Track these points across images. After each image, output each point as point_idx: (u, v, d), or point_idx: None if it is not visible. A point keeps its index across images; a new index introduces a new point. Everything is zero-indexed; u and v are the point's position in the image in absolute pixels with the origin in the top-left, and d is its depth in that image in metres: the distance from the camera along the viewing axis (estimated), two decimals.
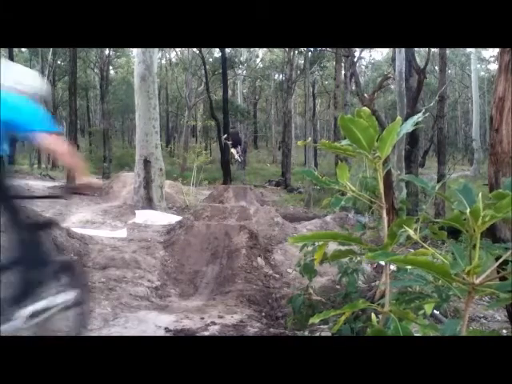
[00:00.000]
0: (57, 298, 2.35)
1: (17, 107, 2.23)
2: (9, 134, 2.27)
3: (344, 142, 1.15)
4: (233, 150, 16.07)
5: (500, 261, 0.94)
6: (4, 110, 2.15)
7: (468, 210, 0.92)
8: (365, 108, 1.10)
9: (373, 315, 1.24)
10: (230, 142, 15.94)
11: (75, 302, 2.51)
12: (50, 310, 2.31)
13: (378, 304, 1.19)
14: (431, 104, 11.64)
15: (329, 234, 1.13)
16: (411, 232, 1.03)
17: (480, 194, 0.92)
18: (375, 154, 1.10)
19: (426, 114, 1.33)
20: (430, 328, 1.06)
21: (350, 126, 1.08)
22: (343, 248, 1.20)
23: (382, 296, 2.22)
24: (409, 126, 1.13)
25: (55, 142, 2.33)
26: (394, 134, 1.08)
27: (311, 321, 1.07)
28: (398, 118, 1.12)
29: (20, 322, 2.16)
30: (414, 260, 0.92)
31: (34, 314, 2.21)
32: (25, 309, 2.17)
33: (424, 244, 1.05)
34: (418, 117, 1.15)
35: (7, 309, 2.14)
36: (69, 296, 2.44)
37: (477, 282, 0.91)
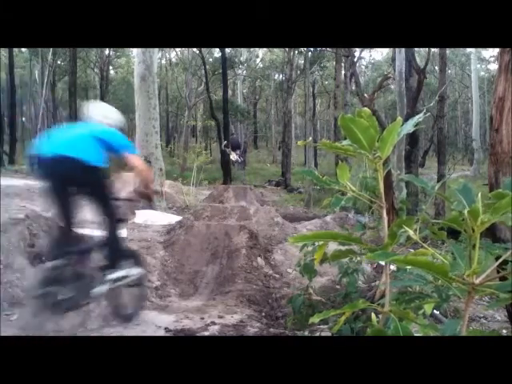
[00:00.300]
0: (131, 270, 3.32)
1: (114, 135, 3.05)
2: (108, 154, 3.00)
3: (345, 142, 1.15)
4: (232, 154, 16.28)
5: (500, 261, 0.94)
6: (106, 137, 2.97)
7: (467, 210, 0.92)
8: (365, 108, 1.10)
9: (373, 315, 1.24)
10: (228, 149, 16.15)
11: (139, 280, 3.48)
12: (127, 278, 3.26)
13: (378, 304, 1.19)
14: (431, 104, 11.64)
15: (329, 234, 1.13)
16: (411, 232, 1.03)
17: (479, 194, 0.92)
18: (376, 154, 1.10)
19: (427, 114, 1.33)
20: (430, 328, 1.06)
21: (351, 125, 1.08)
22: (343, 248, 1.20)
23: (382, 296, 2.22)
24: (409, 127, 1.13)
25: (137, 161, 3.24)
26: (394, 134, 1.08)
27: (311, 321, 1.07)
28: (399, 118, 1.12)
29: (108, 285, 3.08)
30: (414, 260, 0.92)
31: (117, 280, 3.15)
32: (111, 275, 3.09)
33: (424, 244, 1.05)
34: (419, 117, 1.15)
35: (100, 276, 3.04)
36: (138, 270, 3.43)
37: (477, 282, 0.91)
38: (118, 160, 3.10)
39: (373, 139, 1.08)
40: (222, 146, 16.46)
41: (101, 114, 3.15)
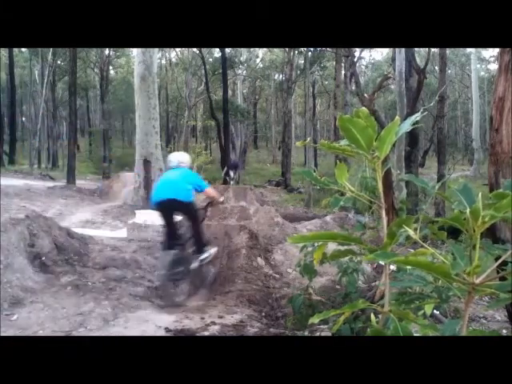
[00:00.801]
0: (210, 250, 5.01)
1: (196, 179, 4.82)
2: (194, 190, 4.71)
3: (343, 143, 1.15)
4: (230, 173, 16.96)
5: (500, 261, 0.94)
6: (193, 181, 4.72)
7: (468, 210, 0.92)
8: (363, 108, 1.10)
9: (372, 315, 1.24)
10: (229, 175, 16.75)
11: (215, 256, 5.22)
12: (209, 257, 4.97)
13: (378, 304, 1.19)
14: (431, 104, 11.64)
15: (328, 234, 1.13)
16: (411, 232, 1.03)
17: (480, 194, 0.92)
18: (374, 153, 1.10)
19: (425, 113, 1.32)
20: (430, 328, 1.06)
21: (349, 126, 1.07)
22: (342, 248, 1.20)
23: (382, 296, 2.22)
24: (407, 126, 1.13)
25: (211, 192, 5.05)
26: (392, 133, 1.08)
27: (311, 321, 1.07)
28: (397, 117, 1.12)
29: (198, 263, 4.80)
30: (414, 261, 0.91)
31: (203, 259, 4.86)
32: (201, 256, 4.83)
33: (424, 244, 1.05)
34: (416, 116, 1.15)
35: (192, 258, 4.79)
36: (214, 249, 5.15)
37: (477, 281, 0.91)
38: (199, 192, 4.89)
39: (371, 139, 1.08)
40: (223, 174, 17.27)
41: (177, 161, 4.88)
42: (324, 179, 1.25)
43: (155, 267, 5.46)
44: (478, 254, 0.91)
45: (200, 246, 4.88)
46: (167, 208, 4.58)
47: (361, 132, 1.07)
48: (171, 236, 4.68)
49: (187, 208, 4.64)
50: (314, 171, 1.30)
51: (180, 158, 4.98)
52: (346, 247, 1.19)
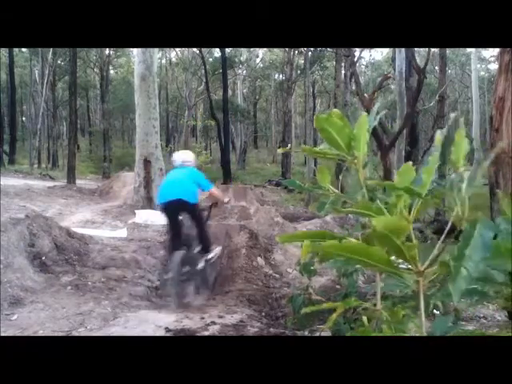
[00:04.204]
0: (216, 249, 5.18)
1: (202, 178, 4.81)
2: (197, 190, 4.74)
3: (322, 146, 1.11)
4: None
5: (439, 244, 0.92)
6: (198, 179, 4.74)
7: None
8: (336, 110, 1.07)
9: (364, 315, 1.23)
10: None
11: (220, 254, 5.42)
12: (215, 256, 5.10)
13: (371, 303, 1.19)
14: (431, 104, 11.64)
15: (316, 234, 1.11)
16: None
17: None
18: (353, 154, 1.07)
19: (385, 111, 1.30)
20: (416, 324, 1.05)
21: (326, 126, 1.03)
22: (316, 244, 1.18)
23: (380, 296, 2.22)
24: (372, 119, 1.10)
25: (215, 191, 5.02)
26: (364, 130, 1.05)
27: (303, 311, 1.07)
28: (363, 114, 1.09)
29: (204, 263, 4.81)
30: (348, 246, 0.85)
31: (210, 259, 4.93)
32: (206, 256, 4.88)
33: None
34: (379, 107, 1.14)
35: (197, 258, 4.78)
36: (219, 248, 5.33)
37: (422, 269, 0.90)
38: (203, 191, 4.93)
39: (349, 139, 1.04)
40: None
41: (182, 160, 4.88)
42: (308, 185, 1.23)
43: (155, 267, 5.46)
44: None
45: (206, 246, 4.90)
46: (174, 209, 4.60)
47: (338, 132, 1.04)
48: (177, 237, 4.71)
49: (193, 209, 4.69)
50: (314, 172, 1.30)
51: (184, 156, 4.93)
52: (319, 243, 1.18)
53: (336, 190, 1.16)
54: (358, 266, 3.05)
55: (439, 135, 0.97)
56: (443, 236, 0.93)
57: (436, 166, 0.97)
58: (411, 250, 0.87)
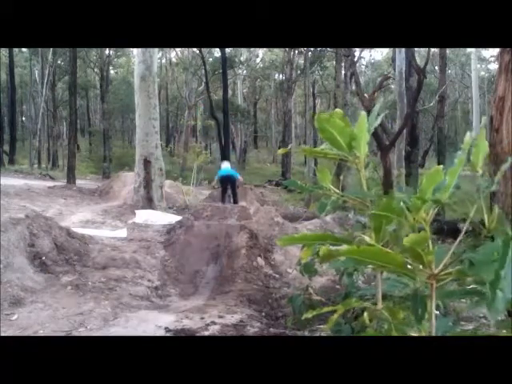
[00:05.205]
0: (242, 203, 10.79)
1: (235, 173, 10.75)
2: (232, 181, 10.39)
3: (323, 146, 1.11)
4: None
5: (453, 248, 0.92)
6: (232, 173, 10.56)
7: (411, 199, 0.91)
8: (338, 109, 1.07)
9: (365, 315, 1.23)
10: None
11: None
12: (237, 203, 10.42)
13: (372, 303, 1.19)
14: (431, 104, 11.64)
15: (318, 236, 1.10)
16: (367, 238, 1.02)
17: (424, 180, 0.92)
18: (354, 154, 1.07)
19: (387, 111, 1.30)
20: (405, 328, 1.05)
21: (327, 126, 1.03)
22: (333, 248, 1.18)
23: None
24: (374, 119, 1.10)
25: (240, 178, 10.97)
26: (365, 130, 1.05)
27: (304, 316, 1.07)
28: (363, 113, 1.08)
29: (232, 202, 10.48)
30: (366, 251, 0.87)
31: (234, 202, 10.41)
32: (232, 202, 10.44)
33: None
34: (379, 107, 1.13)
35: (233, 204, 10.49)
36: (244, 203, 10.63)
37: (436, 271, 0.90)
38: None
39: (350, 139, 1.04)
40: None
41: (226, 165, 10.80)
42: (308, 185, 1.23)
43: (155, 267, 5.46)
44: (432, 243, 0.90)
45: (236, 201, 10.02)
46: (227, 180, 10.05)
47: (339, 132, 1.04)
48: (225, 192, 10.17)
49: (234, 180, 10.08)
50: (314, 172, 1.30)
51: (227, 164, 10.89)
52: (336, 248, 1.18)
53: (337, 190, 1.16)
54: (357, 266, 3.05)
55: (468, 137, 0.96)
56: (458, 241, 0.93)
57: (461, 168, 0.97)
58: (429, 256, 0.89)
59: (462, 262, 0.87)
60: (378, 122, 1.12)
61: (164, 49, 29.18)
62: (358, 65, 26.60)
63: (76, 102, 17.99)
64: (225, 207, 8.81)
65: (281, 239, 1.07)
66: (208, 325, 3.54)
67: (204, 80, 23.19)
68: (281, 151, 1.38)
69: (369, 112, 1.14)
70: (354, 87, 17.36)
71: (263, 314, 4.17)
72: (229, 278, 5.25)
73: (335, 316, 1.11)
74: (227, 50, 21.12)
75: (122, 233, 7.02)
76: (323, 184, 1.17)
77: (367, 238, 0.99)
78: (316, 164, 23.54)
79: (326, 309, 1.06)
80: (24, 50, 29.08)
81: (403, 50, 10.32)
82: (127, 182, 11.51)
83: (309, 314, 1.06)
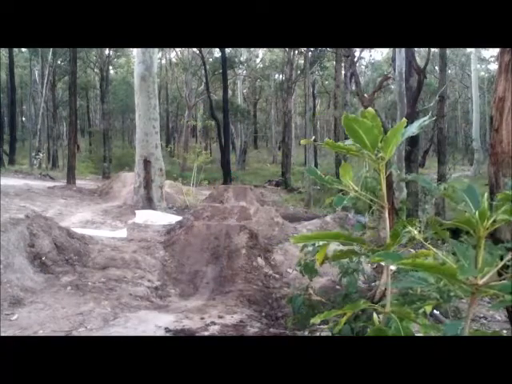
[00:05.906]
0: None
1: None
2: None
3: (347, 142, 1.14)
4: None
5: (502, 263, 0.94)
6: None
7: (476, 212, 0.91)
8: (370, 109, 1.09)
9: (374, 315, 1.23)
10: None
11: None
12: None
13: (380, 304, 1.18)
14: (431, 104, 11.64)
15: (331, 234, 1.12)
16: (415, 232, 1.02)
17: (486, 195, 0.92)
18: (379, 154, 1.09)
19: (433, 118, 1.32)
20: (432, 328, 1.06)
21: (354, 125, 1.06)
22: (344, 248, 1.19)
23: (382, 296, 2.22)
24: (414, 129, 1.12)
25: None
26: (398, 135, 1.07)
27: (312, 321, 1.06)
28: (404, 119, 1.11)
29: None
30: (421, 263, 0.90)
31: None
32: None
33: (427, 244, 1.04)
34: (424, 120, 1.14)
35: None
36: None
37: (480, 283, 0.90)
38: None
39: (376, 139, 1.07)
40: None
41: None
42: (328, 178, 1.25)
43: (155, 267, 5.46)
44: (482, 255, 0.91)
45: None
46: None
47: (366, 132, 1.06)
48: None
49: None
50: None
51: None
52: (347, 247, 1.19)
53: (356, 188, 1.18)
54: (360, 266, 3.04)
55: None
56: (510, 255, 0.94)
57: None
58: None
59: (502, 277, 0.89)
60: (418, 131, 1.13)
61: (164, 49, 29.15)
62: (357, 65, 26.58)
63: (76, 102, 17.97)
64: (225, 207, 8.79)
65: (295, 237, 1.08)
66: (208, 325, 3.54)
67: (204, 80, 23.18)
68: (304, 141, 1.41)
69: None
70: (354, 87, 17.35)
71: (263, 314, 4.17)
72: (229, 278, 5.25)
73: (344, 319, 1.11)
74: (227, 50, 21.10)
75: (122, 233, 7.02)
76: (343, 180, 1.18)
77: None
78: (316, 165, 23.52)
79: (334, 312, 1.06)
80: (24, 49, 29.05)
81: (403, 50, 10.31)
82: (127, 183, 11.50)
83: (317, 319, 1.05)
